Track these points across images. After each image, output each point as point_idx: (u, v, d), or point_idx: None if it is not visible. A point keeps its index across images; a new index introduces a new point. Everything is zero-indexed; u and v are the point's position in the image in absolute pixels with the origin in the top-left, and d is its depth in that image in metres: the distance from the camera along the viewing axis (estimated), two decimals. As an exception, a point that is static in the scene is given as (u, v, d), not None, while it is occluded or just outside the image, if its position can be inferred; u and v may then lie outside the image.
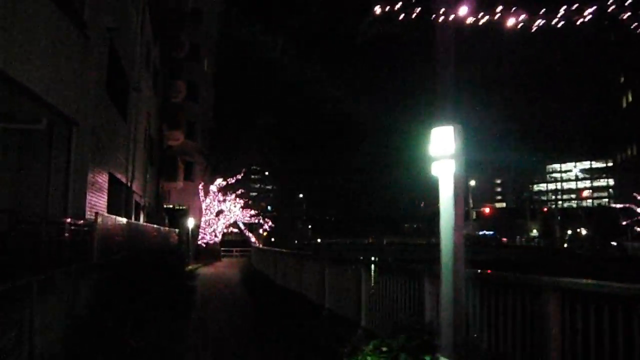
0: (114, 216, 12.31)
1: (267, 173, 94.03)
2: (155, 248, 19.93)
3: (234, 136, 46.89)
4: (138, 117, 20.68)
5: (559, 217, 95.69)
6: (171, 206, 34.11)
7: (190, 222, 34.03)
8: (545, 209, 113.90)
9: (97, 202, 13.91)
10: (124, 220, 13.74)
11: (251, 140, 50.21)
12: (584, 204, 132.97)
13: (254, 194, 54.70)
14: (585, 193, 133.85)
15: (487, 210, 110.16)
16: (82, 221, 10.05)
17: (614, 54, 78.51)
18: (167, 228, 28.22)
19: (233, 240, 59.16)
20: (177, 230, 30.11)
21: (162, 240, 23.61)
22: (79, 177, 11.97)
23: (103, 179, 14.67)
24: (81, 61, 11.69)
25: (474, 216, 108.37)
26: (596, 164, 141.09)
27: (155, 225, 22.73)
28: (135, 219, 22.96)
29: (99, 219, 10.47)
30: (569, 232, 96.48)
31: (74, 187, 11.71)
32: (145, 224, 21.20)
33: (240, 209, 43.22)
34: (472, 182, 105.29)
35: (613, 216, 75.82)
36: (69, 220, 9.74)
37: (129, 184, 19.33)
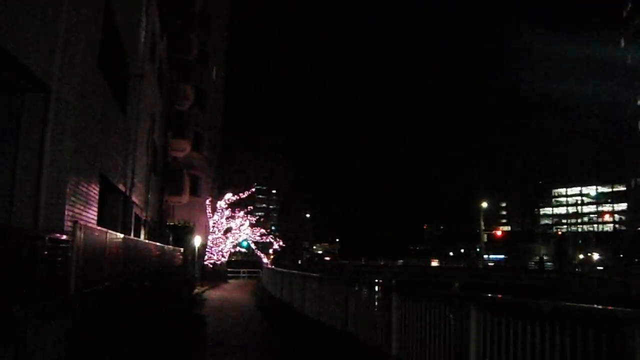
0: (104, 230, 9.08)
1: (274, 191, 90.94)
2: (159, 271, 16.71)
3: (244, 151, 43.86)
4: (140, 114, 17.56)
5: (577, 241, 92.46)
6: (176, 222, 30.84)
7: (197, 241, 30.73)
8: (560, 233, 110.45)
9: (84, 213, 10.71)
10: (119, 236, 10.51)
11: (261, 156, 47.07)
12: (587, 228, 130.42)
13: (261, 213, 51.23)
14: (606, 217, 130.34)
15: (498, 233, 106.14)
16: (52, 235, 6.81)
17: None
18: (171, 247, 25.00)
19: (240, 261, 56.01)
20: (182, 249, 26.90)
21: (166, 260, 20.40)
22: (56, 175, 8.78)
23: (92, 183, 11.48)
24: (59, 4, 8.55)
25: (485, 239, 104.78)
26: (602, 189, 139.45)
27: (158, 244, 19.49)
28: (135, 236, 19.78)
29: (80, 233, 7.28)
30: (581, 256, 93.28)
31: (48, 189, 8.51)
32: (146, 241, 17.95)
33: (249, 228, 39.99)
34: (484, 204, 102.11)
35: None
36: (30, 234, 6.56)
37: (127, 193, 16.13)
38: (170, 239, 26.70)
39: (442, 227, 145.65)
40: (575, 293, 42.58)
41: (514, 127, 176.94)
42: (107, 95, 12.67)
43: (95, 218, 11.84)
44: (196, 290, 27.79)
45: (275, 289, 22.51)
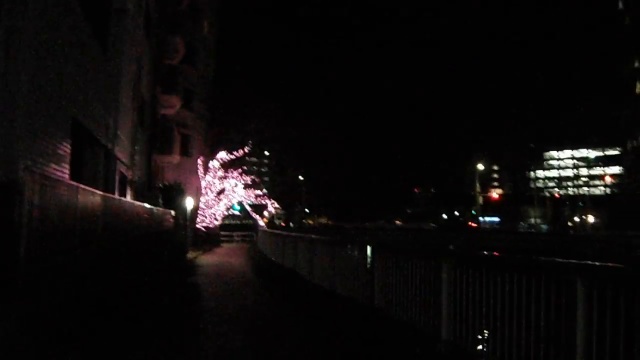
0: (73, 184, 7.15)
1: (266, 152, 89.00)
2: (147, 235, 14.87)
3: (237, 110, 41.62)
4: (124, 57, 15.46)
5: (577, 203, 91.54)
6: (166, 183, 28.88)
7: (189, 203, 28.77)
8: (558, 195, 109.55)
9: (51, 166, 8.79)
10: (96, 193, 8.56)
11: (254, 116, 44.71)
12: (580, 191, 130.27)
13: (255, 173, 49.25)
14: (607, 179, 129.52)
15: (494, 195, 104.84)
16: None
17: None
18: (161, 209, 23.14)
19: (232, 224, 54.33)
20: (172, 212, 25.03)
21: (156, 224, 18.56)
22: (7, 113, 6.82)
23: (62, 129, 9.50)
24: None
25: (480, 201, 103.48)
26: (594, 153, 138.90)
27: (147, 205, 17.58)
28: (121, 196, 17.87)
29: (34, 185, 5.38)
30: (576, 219, 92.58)
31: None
32: (133, 202, 16.00)
33: (244, 189, 38.05)
34: (480, 166, 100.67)
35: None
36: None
37: (110, 147, 14.15)
38: (160, 200, 24.76)
39: (432, 190, 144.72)
40: (580, 255, 41.39)
41: (506, 89, 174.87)
42: (82, 26, 10.60)
43: (67, 173, 9.89)
44: (189, 256, 26.03)
45: (275, 254, 20.80)
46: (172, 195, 26.98)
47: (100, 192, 8.88)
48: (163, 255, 18.55)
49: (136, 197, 20.59)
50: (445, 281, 6.52)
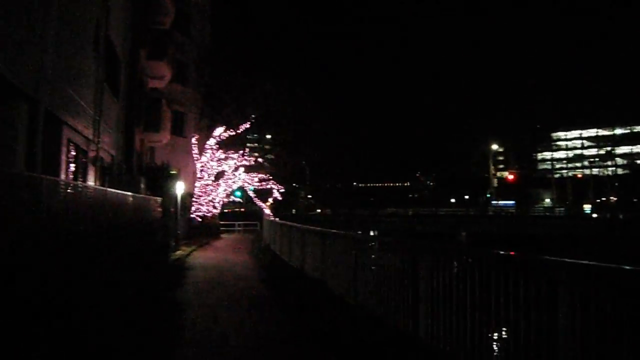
0: None
1: (268, 136, 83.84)
2: (115, 232, 10.00)
3: (235, 87, 36.43)
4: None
5: (598, 183, 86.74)
6: (150, 165, 23.82)
7: (181, 188, 23.54)
8: (580, 176, 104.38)
9: None
10: None
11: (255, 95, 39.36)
12: (587, 172, 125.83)
13: (257, 152, 43.91)
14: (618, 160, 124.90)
15: (510, 177, 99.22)
16: None
17: None
18: (142, 196, 18.21)
19: (234, 213, 49.59)
20: (159, 199, 20.13)
21: (132, 216, 13.63)
22: None
23: None
24: None
25: (495, 183, 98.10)
26: (602, 132, 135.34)
27: (116, 191, 12.58)
28: (79, 179, 12.90)
29: None
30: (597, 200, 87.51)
31: None
32: (87, 185, 10.98)
33: (245, 172, 32.97)
34: (495, 146, 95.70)
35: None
36: None
37: (37, 97, 9.12)
38: (142, 186, 19.80)
39: (434, 175, 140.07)
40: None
41: (513, 70, 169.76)
42: None
43: None
44: (178, 253, 21.07)
45: (290, 253, 15.85)
46: (158, 179, 22.04)
47: None
48: (137, 257, 13.59)
49: (105, 180, 15.66)
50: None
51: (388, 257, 7.60)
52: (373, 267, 8.14)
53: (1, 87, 7.84)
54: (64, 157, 11.23)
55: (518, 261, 4.52)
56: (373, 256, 8.34)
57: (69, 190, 8.32)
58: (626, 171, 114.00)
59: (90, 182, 13.87)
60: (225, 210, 42.63)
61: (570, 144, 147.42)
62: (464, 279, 5.19)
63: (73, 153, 12.28)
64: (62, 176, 10.86)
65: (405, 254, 6.77)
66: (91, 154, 14.14)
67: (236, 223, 43.60)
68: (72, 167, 12.26)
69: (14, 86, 8.14)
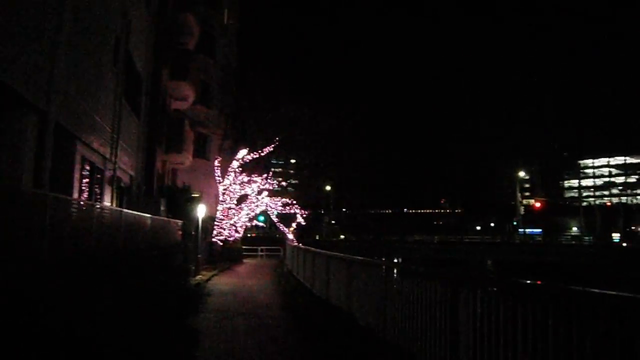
0: None
1: (293, 160, 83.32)
2: (131, 257, 9.33)
3: (261, 111, 36.06)
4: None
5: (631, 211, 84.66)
6: (171, 187, 23.23)
7: (202, 211, 22.83)
8: (609, 204, 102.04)
9: None
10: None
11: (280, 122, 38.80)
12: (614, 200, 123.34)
13: (279, 177, 43.22)
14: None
15: (537, 204, 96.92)
16: None
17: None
18: (162, 218, 17.57)
19: (257, 237, 48.87)
20: (179, 222, 19.49)
21: (150, 238, 12.96)
22: None
23: None
24: None
25: (522, 211, 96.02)
26: (631, 160, 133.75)
27: (132, 212, 11.94)
28: (94, 199, 12.28)
29: None
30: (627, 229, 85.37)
31: None
32: (100, 205, 10.34)
33: (268, 197, 32.26)
34: (521, 173, 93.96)
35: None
36: None
37: (46, 109, 8.53)
38: (163, 208, 19.19)
39: (460, 201, 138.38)
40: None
41: (539, 96, 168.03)
42: None
43: None
44: (198, 277, 20.32)
45: (312, 280, 15.02)
46: (179, 201, 21.41)
47: None
48: (155, 285, 12.86)
49: (123, 201, 15.05)
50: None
51: (424, 287, 6.74)
52: (404, 298, 7.30)
53: (5, 95, 7.24)
54: (77, 175, 10.61)
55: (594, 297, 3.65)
56: (405, 287, 7.49)
57: (78, 210, 7.67)
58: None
59: (107, 202, 13.26)
60: (248, 235, 41.91)
61: (597, 171, 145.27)
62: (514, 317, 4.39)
63: (87, 171, 11.68)
64: (75, 195, 10.24)
65: (444, 286, 5.92)
66: (108, 174, 13.54)
67: (259, 248, 42.87)
68: (87, 186, 11.65)
69: (18, 94, 7.53)
